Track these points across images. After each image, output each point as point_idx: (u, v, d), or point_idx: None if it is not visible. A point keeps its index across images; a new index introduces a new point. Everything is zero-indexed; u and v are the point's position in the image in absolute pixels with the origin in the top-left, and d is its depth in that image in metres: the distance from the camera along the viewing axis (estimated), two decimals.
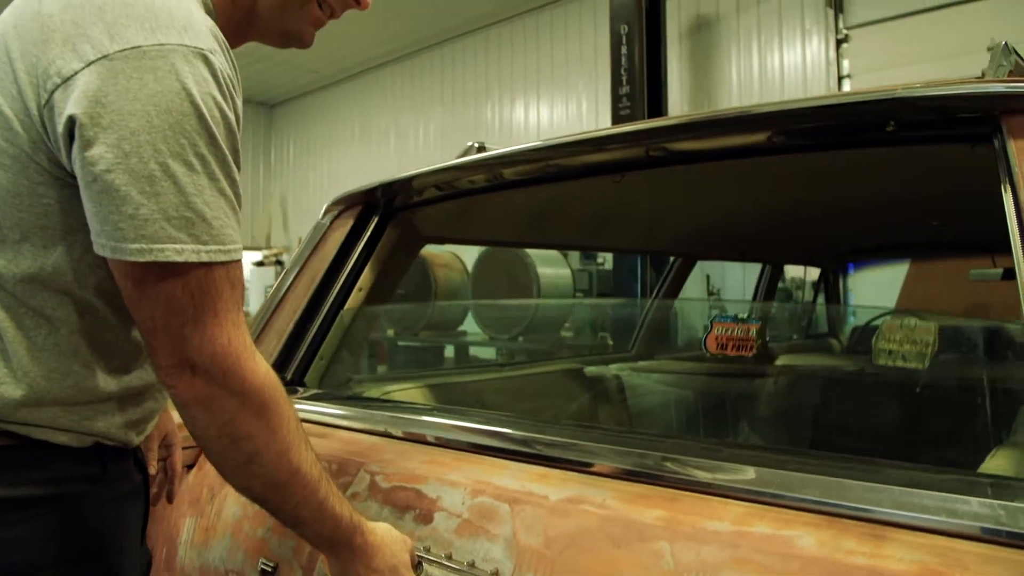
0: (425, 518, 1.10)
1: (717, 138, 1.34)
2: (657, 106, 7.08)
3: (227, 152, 0.88)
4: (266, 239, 13.87)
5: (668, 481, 1.00)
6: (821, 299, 4.69)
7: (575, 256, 7.31)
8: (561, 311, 6.20)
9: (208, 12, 0.97)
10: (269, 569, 1.21)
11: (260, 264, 11.31)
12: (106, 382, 0.97)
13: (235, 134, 0.90)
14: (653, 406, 2.24)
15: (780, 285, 7.24)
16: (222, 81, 0.87)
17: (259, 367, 0.91)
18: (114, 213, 0.81)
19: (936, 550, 0.78)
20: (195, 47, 0.85)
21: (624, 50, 6.78)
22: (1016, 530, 0.77)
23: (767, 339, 3.80)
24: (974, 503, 0.81)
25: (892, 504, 0.84)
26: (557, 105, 9.88)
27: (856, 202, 2.27)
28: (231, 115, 0.89)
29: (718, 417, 2.22)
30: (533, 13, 10.02)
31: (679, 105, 8.31)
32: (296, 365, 1.69)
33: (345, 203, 1.78)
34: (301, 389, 1.62)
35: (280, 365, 1.67)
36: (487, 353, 7.45)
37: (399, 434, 1.33)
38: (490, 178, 1.65)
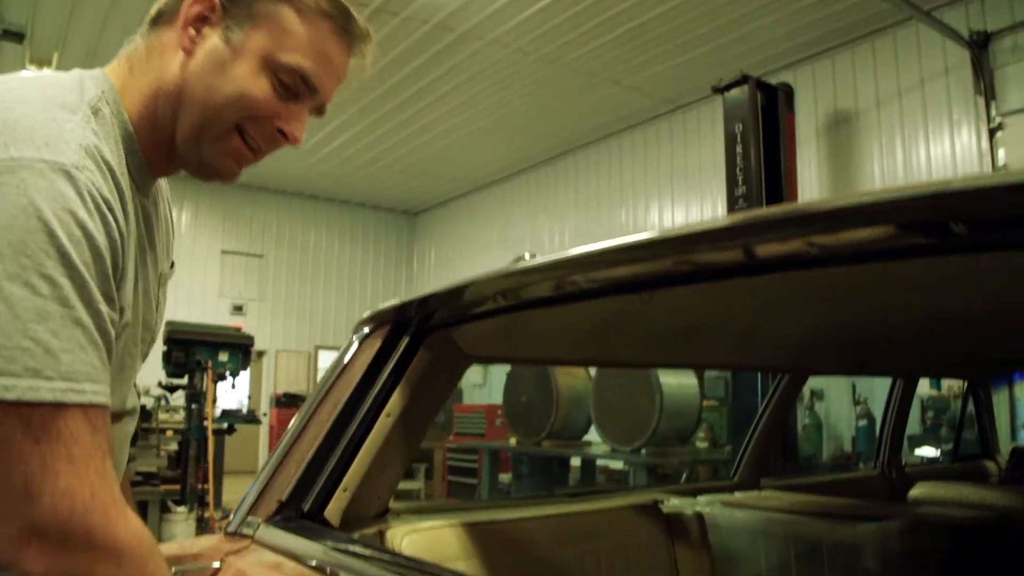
0: None
1: (830, 234, 0.95)
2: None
3: (88, 276, 0.76)
4: None
5: None
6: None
7: None
8: (684, 422, 5.81)
9: (126, 136, 0.91)
10: None
11: None
12: None
13: (103, 256, 0.78)
14: (742, 554, 1.91)
15: (936, 393, 6.52)
16: (88, 198, 0.78)
17: (132, 521, 0.77)
18: None
19: None
20: (55, 161, 0.76)
21: (739, 149, 6.49)
22: None
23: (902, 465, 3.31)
24: None
25: None
26: (692, 205, 9.66)
27: (1018, 303, 1.80)
28: (99, 236, 0.78)
29: (820, 571, 1.85)
30: (664, 117, 9.97)
31: None
32: (315, 496, 1.53)
33: (375, 321, 1.64)
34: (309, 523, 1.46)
35: (298, 495, 1.52)
36: (615, 464, 7.09)
37: None
38: (555, 287, 1.39)
